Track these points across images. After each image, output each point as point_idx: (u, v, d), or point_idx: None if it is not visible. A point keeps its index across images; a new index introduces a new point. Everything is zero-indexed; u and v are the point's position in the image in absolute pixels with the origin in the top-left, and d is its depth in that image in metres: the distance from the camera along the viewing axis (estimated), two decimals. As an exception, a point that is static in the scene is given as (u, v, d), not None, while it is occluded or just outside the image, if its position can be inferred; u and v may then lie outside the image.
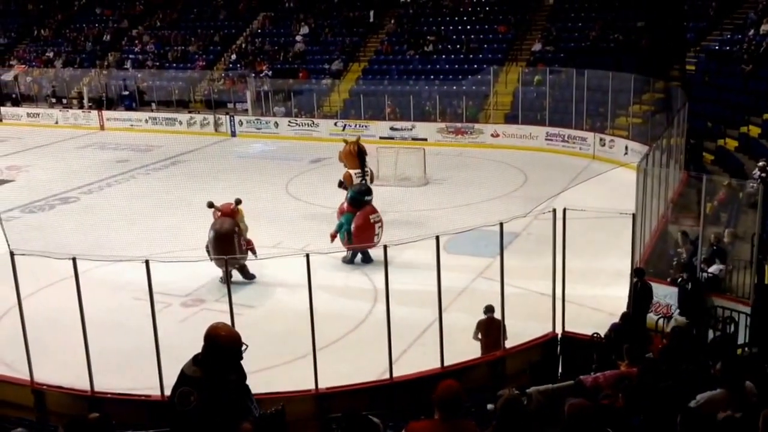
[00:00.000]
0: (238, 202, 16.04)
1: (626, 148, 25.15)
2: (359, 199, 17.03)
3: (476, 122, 29.86)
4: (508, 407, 5.39)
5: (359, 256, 17.01)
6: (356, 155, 18.85)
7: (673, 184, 18.12)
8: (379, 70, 34.48)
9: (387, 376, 10.80)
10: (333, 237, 16.98)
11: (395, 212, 19.85)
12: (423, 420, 5.37)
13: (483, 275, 15.35)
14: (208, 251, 15.55)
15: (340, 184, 18.67)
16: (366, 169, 18.86)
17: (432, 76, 32.98)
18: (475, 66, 32.51)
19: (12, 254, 10.29)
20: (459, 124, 29.78)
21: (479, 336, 11.70)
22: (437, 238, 10.49)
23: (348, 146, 19.33)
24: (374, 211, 17.15)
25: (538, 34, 33.50)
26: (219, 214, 15.71)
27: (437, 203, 20.88)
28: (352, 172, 18.60)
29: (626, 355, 9.66)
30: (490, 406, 6.99)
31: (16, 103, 38.77)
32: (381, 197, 21.11)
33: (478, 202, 20.64)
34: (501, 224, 10.89)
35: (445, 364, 10.81)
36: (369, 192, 17.40)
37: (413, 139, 29.68)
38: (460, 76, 32.20)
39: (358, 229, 16.75)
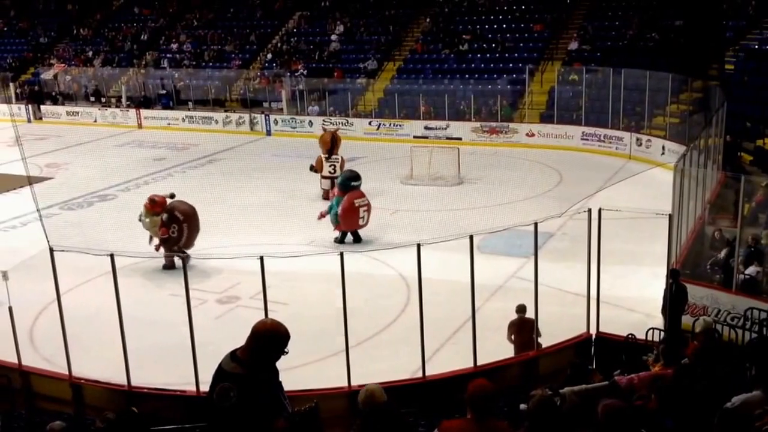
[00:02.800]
0: (172, 196, 17.23)
1: (663, 148, 24.84)
2: (347, 184, 18.08)
3: (511, 121, 29.70)
4: (541, 407, 5.39)
5: (349, 236, 18.18)
6: (329, 142, 21.95)
7: (711, 184, 17.86)
8: (414, 69, 34.44)
9: (420, 374, 10.83)
10: (322, 216, 18.21)
11: (428, 211, 19.85)
12: (456, 419, 5.38)
13: (517, 275, 15.29)
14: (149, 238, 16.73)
15: (311, 168, 21.90)
16: (336, 156, 21.74)
17: (467, 75, 32.85)
18: (511, 65, 32.39)
19: (51, 250, 10.47)
20: (494, 124, 29.65)
21: (512, 337, 11.69)
22: (471, 237, 10.44)
23: (326, 134, 22.73)
24: (361, 195, 18.06)
25: (575, 33, 33.25)
26: (151, 203, 16.83)
27: (471, 203, 20.79)
28: (323, 156, 21.78)
29: (662, 356, 9.56)
30: (522, 406, 6.98)
31: (55, 101, 39.42)
32: (415, 196, 21.21)
33: (512, 202, 20.54)
34: (535, 224, 10.85)
35: (478, 363, 10.80)
36: (356, 178, 18.35)
37: (447, 138, 29.62)
38: (495, 75, 32.12)
39: (344, 212, 17.86)
